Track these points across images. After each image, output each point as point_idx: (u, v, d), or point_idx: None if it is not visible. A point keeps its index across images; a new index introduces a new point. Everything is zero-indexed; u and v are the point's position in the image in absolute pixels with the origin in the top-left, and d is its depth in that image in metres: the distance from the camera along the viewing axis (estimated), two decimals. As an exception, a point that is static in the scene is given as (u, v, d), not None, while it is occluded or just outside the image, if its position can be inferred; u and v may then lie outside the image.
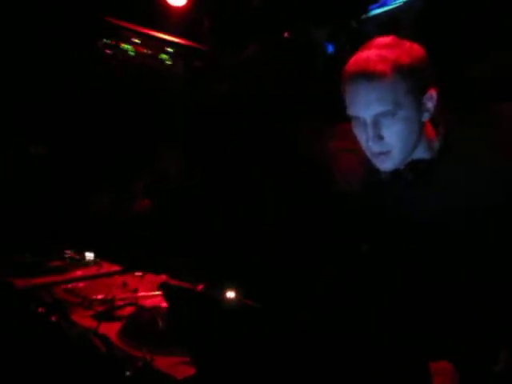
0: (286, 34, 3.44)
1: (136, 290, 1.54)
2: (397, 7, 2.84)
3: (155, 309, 1.25)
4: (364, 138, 1.21)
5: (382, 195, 1.36)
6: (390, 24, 2.95)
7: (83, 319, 1.32)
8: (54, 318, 1.28)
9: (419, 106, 1.18)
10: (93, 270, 1.87)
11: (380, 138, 1.18)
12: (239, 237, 2.45)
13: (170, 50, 3.40)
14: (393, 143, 1.18)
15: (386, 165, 1.23)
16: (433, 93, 1.20)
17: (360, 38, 3.15)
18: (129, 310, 1.37)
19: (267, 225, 2.54)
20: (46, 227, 2.55)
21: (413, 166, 1.24)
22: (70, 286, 1.64)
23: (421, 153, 1.24)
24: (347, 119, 1.34)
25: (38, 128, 2.88)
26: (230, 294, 1.43)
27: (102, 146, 3.01)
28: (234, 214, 2.55)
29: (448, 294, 1.25)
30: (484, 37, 2.18)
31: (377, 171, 1.30)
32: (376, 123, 1.16)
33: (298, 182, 2.49)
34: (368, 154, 1.25)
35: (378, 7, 2.94)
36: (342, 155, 1.91)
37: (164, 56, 3.42)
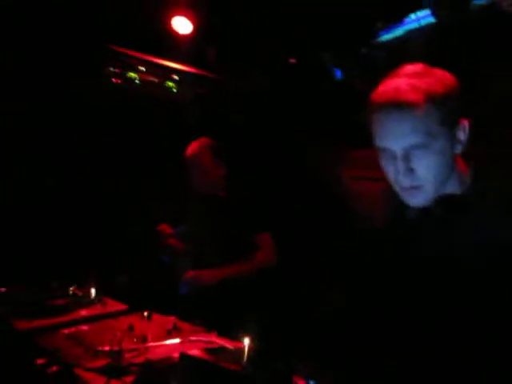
0: (292, 61, 3.41)
1: (145, 339, 1.41)
2: (406, 33, 2.81)
3: (167, 367, 1.14)
4: (393, 172, 1.13)
5: (405, 232, 1.26)
6: (399, 50, 2.91)
7: (88, 374, 1.20)
8: (54, 372, 1.16)
9: (452, 138, 1.10)
10: (97, 310, 1.76)
11: (411, 171, 1.09)
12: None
13: (176, 77, 3.35)
14: (425, 177, 1.10)
15: (417, 200, 1.14)
16: (465, 124, 1.12)
17: (369, 63, 3.12)
18: (139, 362, 1.26)
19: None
20: (49, 258, 2.46)
21: (444, 202, 1.15)
22: (73, 329, 1.53)
23: (452, 187, 1.15)
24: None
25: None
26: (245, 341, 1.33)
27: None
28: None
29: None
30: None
31: (402, 206, 1.21)
32: (407, 156, 1.08)
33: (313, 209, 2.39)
34: (397, 188, 1.16)
35: (387, 33, 2.92)
36: (361, 184, 1.81)
37: (170, 84, 3.37)
